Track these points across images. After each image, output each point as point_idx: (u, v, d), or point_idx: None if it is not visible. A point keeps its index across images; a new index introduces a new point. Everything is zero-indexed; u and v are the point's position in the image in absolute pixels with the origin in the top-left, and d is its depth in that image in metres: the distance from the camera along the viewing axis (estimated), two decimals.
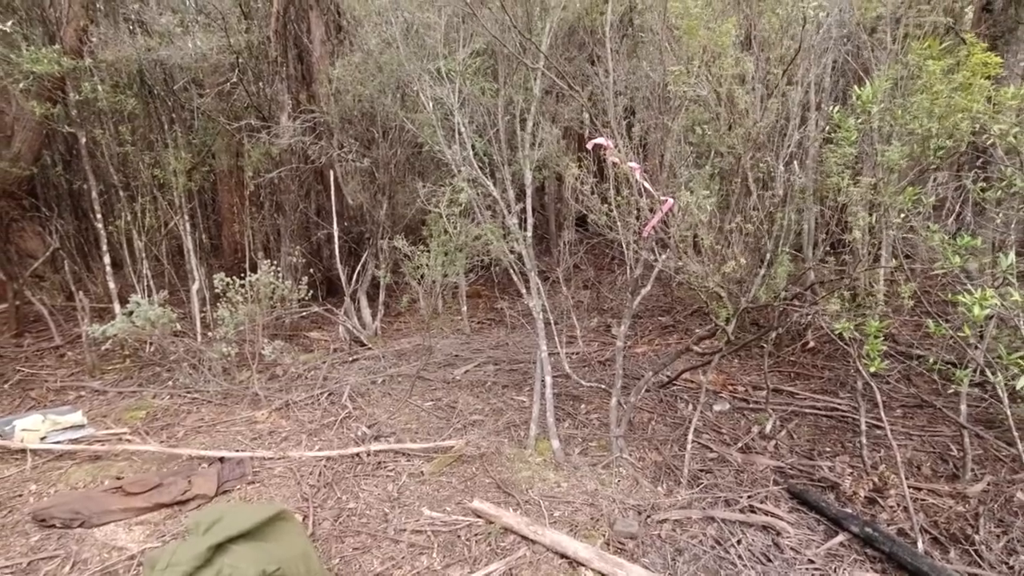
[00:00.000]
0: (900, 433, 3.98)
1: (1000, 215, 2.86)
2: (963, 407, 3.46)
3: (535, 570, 2.80)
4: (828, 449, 3.96)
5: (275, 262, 5.68)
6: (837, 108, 2.78)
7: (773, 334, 4.82)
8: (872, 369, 2.73)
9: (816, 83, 3.76)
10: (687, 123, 3.43)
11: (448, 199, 4.31)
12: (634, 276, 3.52)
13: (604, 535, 3.04)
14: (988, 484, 3.39)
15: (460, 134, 3.77)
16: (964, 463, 3.47)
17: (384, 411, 4.72)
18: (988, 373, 2.46)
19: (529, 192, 3.90)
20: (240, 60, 6.82)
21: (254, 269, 5.55)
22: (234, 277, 5.18)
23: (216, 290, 5.25)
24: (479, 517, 3.20)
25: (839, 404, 4.48)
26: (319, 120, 6.51)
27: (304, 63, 6.96)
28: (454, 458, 3.84)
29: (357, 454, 3.92)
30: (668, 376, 4.92)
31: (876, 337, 2.64)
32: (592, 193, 3.31)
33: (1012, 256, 2.26)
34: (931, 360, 3.46)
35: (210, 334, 5.63)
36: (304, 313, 6.66)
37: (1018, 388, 2.11)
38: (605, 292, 7.73)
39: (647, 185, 3.12)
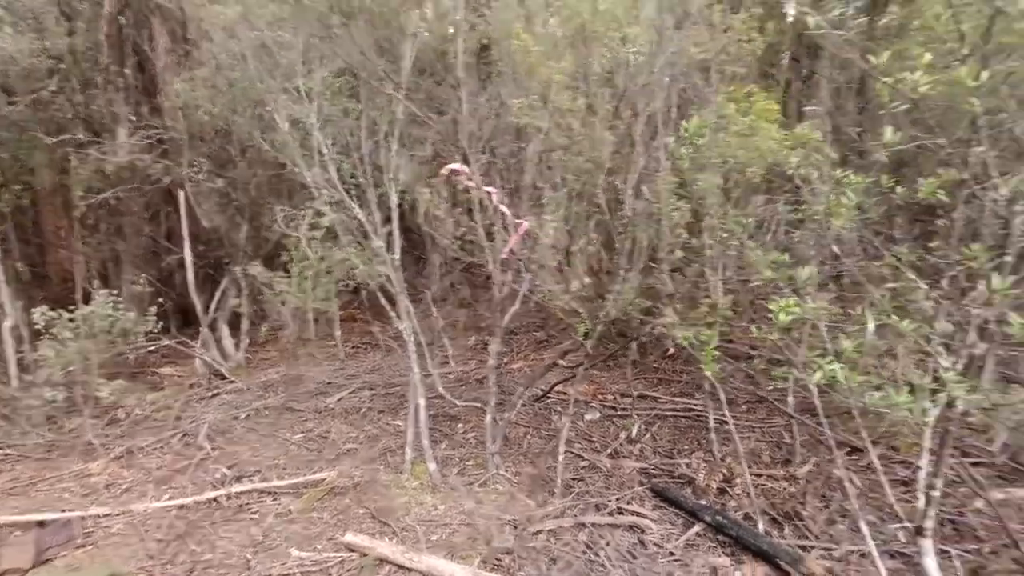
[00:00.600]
0: (744, 427, 4.44)
1: (800, 234, 3.35)
2: (790, 399, 3.94)
3: None
4: (686, 447, 4.33)
5: (116, 291, 5.06)
6: (672, 139, 3.11)
7: (634, 344, 5.17)
8: (708, 372, 3.03)
9: (658, 115, 4.15)
10: (541, 149, 3.63)
11: (309, 222, 4.14)
12: (500, 296, 3.62)
13: (481, 553, 3.06)
14: (813, 465, 3.91)
15: (321, 155, 3.66)
16: (794, 448, 3.96)
17: (248, 448, 4.38)
18: (801, 370, 2.83)
19: (395, 214, 3.87)
20: (61, 66, 6.01)
21: (88, 300, 4.90)
22: (61, 310, 4.53)
23: (38, 326, 4.55)
24: (352, 551, 3.08)
25: (695, 405, 4.91)
26: (165, 136, 5.95)
27: (146, 73, 6.34)
28: (326, 491, 3.67)
29: (215, 499, 3.60)
30: (542, 390, 5.09)
31: (709, 344, 2.95)
32: (446, 218, 3.37)
33: (811, 268, 2.65)
34: (755, 361, 3.92)
35: (29, 377, 4.87)
36: (152, 347, 5.99)
37: (813, 382, 2.47)
38: (482, 310, 7.82)
39: (504, 209, 3.24)
